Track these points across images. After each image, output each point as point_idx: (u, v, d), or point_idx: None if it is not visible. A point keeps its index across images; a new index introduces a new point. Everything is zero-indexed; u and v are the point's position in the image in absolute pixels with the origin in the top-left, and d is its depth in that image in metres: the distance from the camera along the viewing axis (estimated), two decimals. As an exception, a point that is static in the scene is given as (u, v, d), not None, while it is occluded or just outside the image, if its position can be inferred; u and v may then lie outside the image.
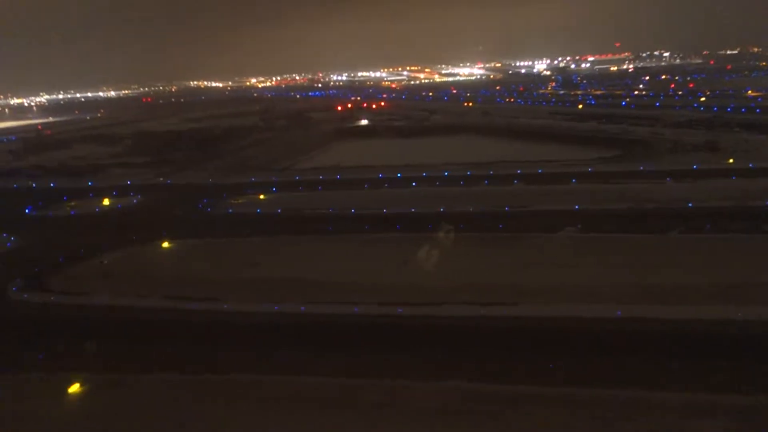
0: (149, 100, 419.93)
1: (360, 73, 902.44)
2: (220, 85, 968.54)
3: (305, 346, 43.85)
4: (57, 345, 46.28)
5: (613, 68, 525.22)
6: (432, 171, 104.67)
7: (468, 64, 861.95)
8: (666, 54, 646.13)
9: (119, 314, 51.78)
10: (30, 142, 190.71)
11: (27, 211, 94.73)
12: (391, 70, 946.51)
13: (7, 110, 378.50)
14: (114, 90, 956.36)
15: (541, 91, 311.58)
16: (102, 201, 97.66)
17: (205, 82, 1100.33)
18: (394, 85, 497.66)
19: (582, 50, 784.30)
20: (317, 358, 41.63)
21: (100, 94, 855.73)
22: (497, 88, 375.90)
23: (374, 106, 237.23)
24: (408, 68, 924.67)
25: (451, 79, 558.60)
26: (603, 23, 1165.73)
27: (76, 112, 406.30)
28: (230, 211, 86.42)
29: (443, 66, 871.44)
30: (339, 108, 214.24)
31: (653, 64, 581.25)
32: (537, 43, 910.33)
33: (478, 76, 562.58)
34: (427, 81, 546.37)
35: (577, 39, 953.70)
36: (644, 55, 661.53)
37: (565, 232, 64.86)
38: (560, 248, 60.48)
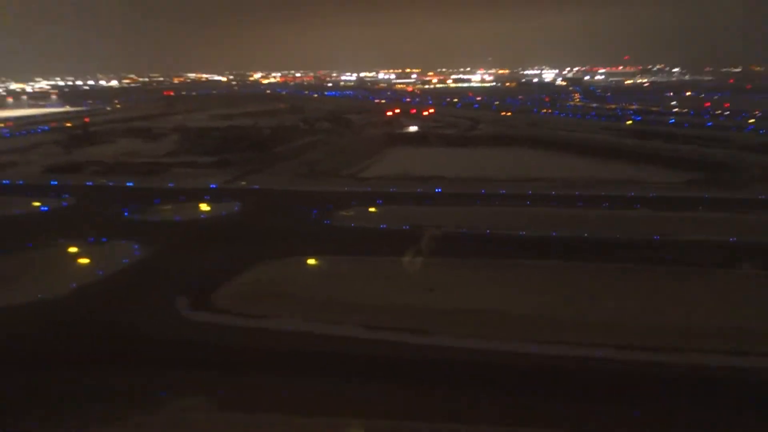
0: (170, 93, 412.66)
1: (362, 74, 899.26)
2: (222, 78, 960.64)
3: (560, 395, 40.90)
4: (261, 379, 43.11)
5: (628, 81, 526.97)
6: (536, 188, 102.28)
7: (469, 69, 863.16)
8: (675, 69, 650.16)
9: (316, 343, 48.25)
10: (74, 134, 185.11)
11: (126, 214, 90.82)
12: (394, 71, 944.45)
13: (24, 97, 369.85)
14: (111, 79, 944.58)
15: (571, 103, 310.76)
16: (199, 206, 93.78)
17: (205, 75, 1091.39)
18: (410, 89, 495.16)
19: (588, 61, 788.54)
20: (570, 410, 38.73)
21: (102, 82, 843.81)
22: (519, 97, 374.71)
23: (424, 112, 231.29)
24: (408, 70, 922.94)
25: (465, 84, 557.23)
26: (608, 36, 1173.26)
27: (90, 101, 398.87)
28: (353, 225, 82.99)
29: (443, 70, 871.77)
30: (388, 113, 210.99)
31: (664, 79, 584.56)
32: (544, 52, 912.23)
33: (493, 83, 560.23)
34: (441, 86, 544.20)
35: (584, 50, 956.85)
36: (654, 69, 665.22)
37: (744, 269, 62.28)
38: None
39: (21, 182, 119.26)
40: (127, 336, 50.15)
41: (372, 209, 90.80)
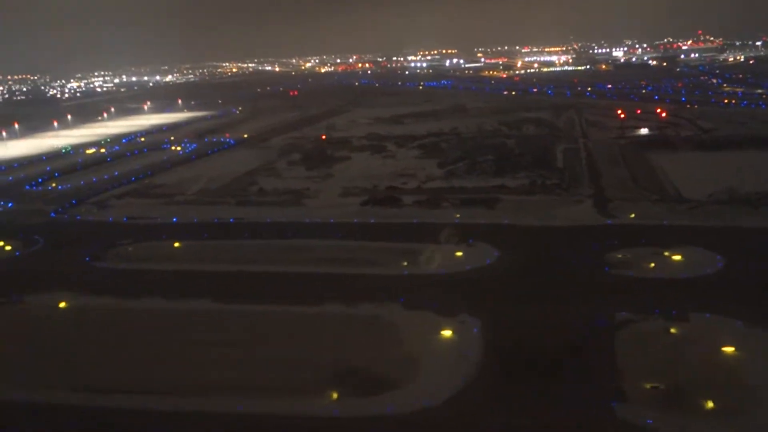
0: (296, 93, 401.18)
1: (410, 57, 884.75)
2: (274, 69, 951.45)
3: None
4: None
5: (730, 59, 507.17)
6: None
7: (506, 48, 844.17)
8: (759, 43, 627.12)
9: None
10: (305, 152, 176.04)
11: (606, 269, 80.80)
12: (430, 53, 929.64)
13: (149, 104, 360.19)
14: (160, 73, 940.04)
15: (727, 89, 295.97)
16: (669, 256, 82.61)
17: (250, 65, 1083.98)
18: (504, 75, 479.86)
19: (657, 37, 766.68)
20: None
21: (157, 77, 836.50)
22: (642, 82, 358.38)
23: (661, 112, 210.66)
24: (445, 52, 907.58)
25: (558, 68, 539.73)
26: (678, 9, 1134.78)
27: (193, 104, 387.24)
28: None
29: (482, 49, 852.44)
30: (623, 115, 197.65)
31: (753, 54, 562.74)
32: (612, 29, 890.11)
33: (586, 66, 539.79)
34: (531, 71, 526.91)
35: (656, 24, 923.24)
36: (737, 44, 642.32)
37: None
38: None
39: (373, 220, 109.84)
40: None
41: None
